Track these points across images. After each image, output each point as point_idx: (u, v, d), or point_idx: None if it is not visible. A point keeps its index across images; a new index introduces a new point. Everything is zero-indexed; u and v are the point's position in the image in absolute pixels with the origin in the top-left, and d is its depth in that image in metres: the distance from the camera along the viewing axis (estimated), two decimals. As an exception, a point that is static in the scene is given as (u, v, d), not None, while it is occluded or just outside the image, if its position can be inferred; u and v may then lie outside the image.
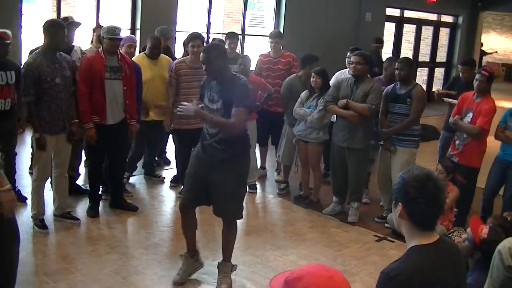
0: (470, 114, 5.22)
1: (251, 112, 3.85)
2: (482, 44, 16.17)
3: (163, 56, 6.01)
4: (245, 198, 4.06)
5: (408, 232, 2.01)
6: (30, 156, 5.64)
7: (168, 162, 6.93)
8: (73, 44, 5.60)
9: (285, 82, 6.10)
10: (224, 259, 4.00)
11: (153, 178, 6.33)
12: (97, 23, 6.18)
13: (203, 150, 3.88)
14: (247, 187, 4.06)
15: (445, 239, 2.15)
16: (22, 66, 4.59)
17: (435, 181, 1.94)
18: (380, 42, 11.35)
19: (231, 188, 3.81)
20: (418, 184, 1.93)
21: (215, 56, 3.72)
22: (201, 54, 3.82)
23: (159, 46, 5.95)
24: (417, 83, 5.36)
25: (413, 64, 5.48)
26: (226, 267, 3.97)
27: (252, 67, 6.45)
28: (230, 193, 3.82)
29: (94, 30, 6.04)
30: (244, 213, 5.60)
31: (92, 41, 6.10)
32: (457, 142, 5.37)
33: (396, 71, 5.26)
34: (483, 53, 18.12)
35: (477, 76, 5.22)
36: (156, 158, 6.92)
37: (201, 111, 3.77)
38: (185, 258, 4.06)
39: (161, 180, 6.30)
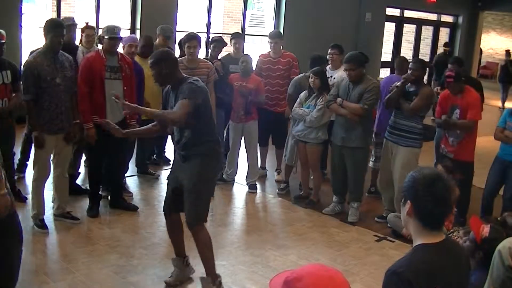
0: (457, 110, 5.26)
1: (203, 109, 3.67)
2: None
3: None
4: (207, 206, 3.81)
5: (415, 231, 2.02)
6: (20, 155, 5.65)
7: (168, 162, 6.93)
8: (77, 45, 5.59)
9: (293, 82, 6.09)
10: (205, 272, 3.86)
11: (147, 175, 6.34)
12: (86, 23, 6.12)
13: (176, 155, 3.95)
14: (207, 193, 3.82)
15: (451, 240, 2.17)
16: (22, 65, 4.58)
17: (444, 181, 1.97)
18: (448, 46, 12.62)
19: (187, 189, 3.73)
20: (427, 183, 1.95)
21: (155, 61, 3.69)
22: (149, 60, 3.82)
23: (151, 44, 5.95)
24: (426, 84, 5.39)
25: (426, 65, 5.52)
26: (204, 282, 3.84)
27: (252, 67, 6.45)
28: (187, 194, 3.73)
29: (83, 31, 5.97)
30: (244, 213, 5.69)
31: (81, 42, 6.06)
32: (450, 139, 5.38)
33: (409, 70, 5.27)
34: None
35: (446, 84, 5.35)
36: (155, 157, 6.94)
37: (134, 107, 3.90)
38: (177, 262, 4.03)
39: (156, 177, 6.33)
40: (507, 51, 15.29)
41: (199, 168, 3.70)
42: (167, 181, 4.11)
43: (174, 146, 5.91)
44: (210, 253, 3.82)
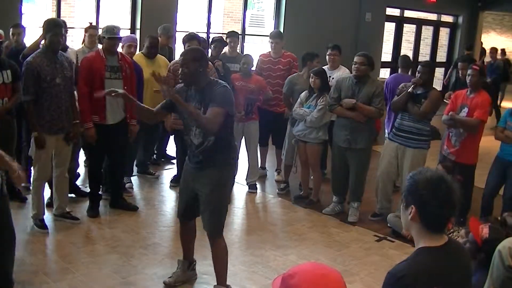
0: (466, 109, 5.25)
1: (230, 117, 3.60)
2: (482, 43, 16.24)
3: (159, 56, 6.01)
4: (226, 214, 3.79)
5: (418, 234, 1.99)
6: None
7: (171, 158, 6.92)
8: (67, 45, 5.59)
9: (287, 81, 6.11)
10: (217, 282, 3.80)
11: (147, 175, 6.34)
12: (90, 23, 6.13)
13: (189, 159, 3.78)
14: (226, 201, 3.79)
15: (454, 241, 2.14)
16: (22, 64, 4.58)
17: (448, 184, 1.93)
18: (471, 49, 12.85)
19: (207, 198, 3.64)
20: (432, 187, 1.91)
21: (192, 59, 3.55)
22: (180, 57, 3.69)
23: (157, 45, 5.96)
24: (434, 87, 5.39)
25: (434, 68, 5.52)
26: None
27: (253, 67, 6.45)
28: (206, 203, 3.65)
29: (86, 30, 5.97)
30: (244, 213, 5.69)
31: (83, 42, 6.05)
32: (453, 138, 5.37)
33: (417, 74, 5.27)
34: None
35: (469, 71, 5.30)
36: (155, 158, 6.94)
37: (177, 96, 3.51)
38: (182, 264, 4.01)
39: (156, 177, 6.33)
40: (502, 50, 15.30)
41: (217, 178, 3.62)
42: (179, 190, 4.01)
43: (177, 151, 5.94)
44: (224, 265, 3.77)
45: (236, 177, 4.05)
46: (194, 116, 3.49)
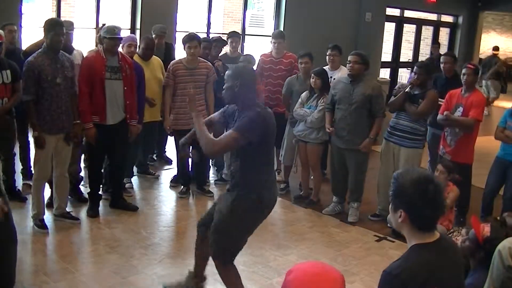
0: (460, 109, 5.27)
1: (244, 142, 3.23)
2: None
3: (154, 57, 5.99)
4: (236, 245, 3.49)
5: (409, 234, 2.01)
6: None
7: (169, 161, 6.94)
8: (73, 47, 5.58)
9: (286, 82, 6.14)
10: None
11: (147, 176, 6.34)
12: (102, 24, 6.14)
13: None
14: (236, 231, 3.44)
15: (446, 238, 2.16)
16: (23, 64, 4.58)
17: (435, 184, 1.94)
18: (497, 49, 13.51)
19: (219, 220, 3.40)
20: (419, 190, 1.91)
21: (231, 76, 3.37)
22: (227, 72, 3.50)
23: (153, 47, 5.94)
24: (431, 88, 5.39)
25: (432, 70, 5.53)
26: None
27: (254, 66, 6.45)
28: (216, 224, 3.40)
29: (98, 31, 6.03)
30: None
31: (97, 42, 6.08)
32: (448, 138, 5.39)
33: (413, 75, 5.27)
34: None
35: (463, 70, 5.32)
36: (155, 158, 6.94)
37: (197, 115, 3.35)
38: (188, 275, 3.80)
39: (156, 177, 6.33)
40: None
41: (235, 203, 3.36)
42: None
43: (177, 152, 5.88)
44: None
45: (260, 210, 3.50)
46: (198, 135, 3.30)
